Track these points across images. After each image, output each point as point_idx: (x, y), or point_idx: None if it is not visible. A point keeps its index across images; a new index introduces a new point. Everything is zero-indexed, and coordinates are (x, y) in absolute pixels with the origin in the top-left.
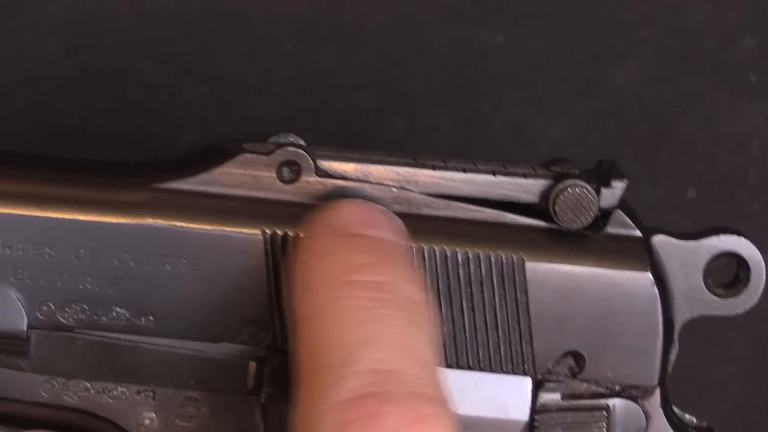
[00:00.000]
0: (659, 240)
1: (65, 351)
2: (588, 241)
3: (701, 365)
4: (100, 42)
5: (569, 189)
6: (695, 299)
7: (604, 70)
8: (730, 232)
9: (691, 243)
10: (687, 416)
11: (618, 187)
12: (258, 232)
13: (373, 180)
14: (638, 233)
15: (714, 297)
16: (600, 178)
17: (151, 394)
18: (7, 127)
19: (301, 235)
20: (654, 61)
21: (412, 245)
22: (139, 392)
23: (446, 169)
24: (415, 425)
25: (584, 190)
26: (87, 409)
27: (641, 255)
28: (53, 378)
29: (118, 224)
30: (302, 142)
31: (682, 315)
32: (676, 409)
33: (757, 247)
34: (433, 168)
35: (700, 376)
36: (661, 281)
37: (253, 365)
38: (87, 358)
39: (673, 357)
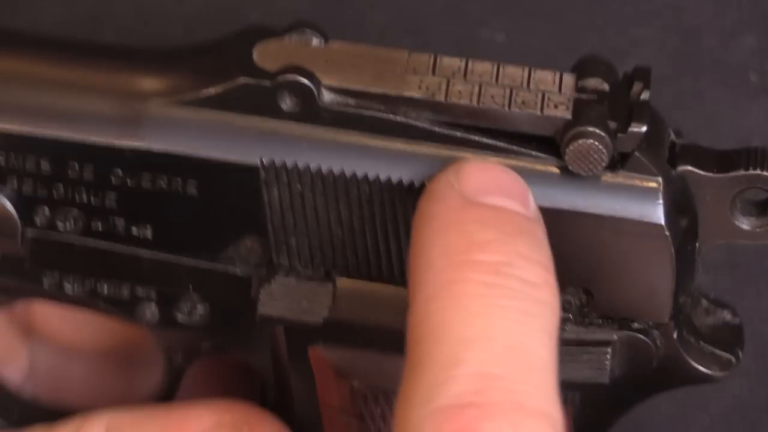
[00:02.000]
0: (684, 171)
1: (62, 252)
2: (600, 184)
3: None
4: (100, 40)
5: (580, 139)
6: (722, 228)
7: None
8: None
9: (718, 176)
10: (722, 312)
11: (636, 132)
12: (256, 161)
13: (382, 109)
14: (655, 178)
15: (741, 225)
16: (623, 113)
17: (152, 292)
18: None
19: (424, 196)
20: (654, 60)
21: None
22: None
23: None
24: None
25: (595, 143)
26: (86, 300)
27: (655, 202)
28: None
29: (111, 146)
30: (318, 41)
31: (707, 241)
32: (706, 304)
33: (758, 247)
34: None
35: None
36: (682, 212)
37: (254, 279)
38: (84, 260)
39: (695, 279)
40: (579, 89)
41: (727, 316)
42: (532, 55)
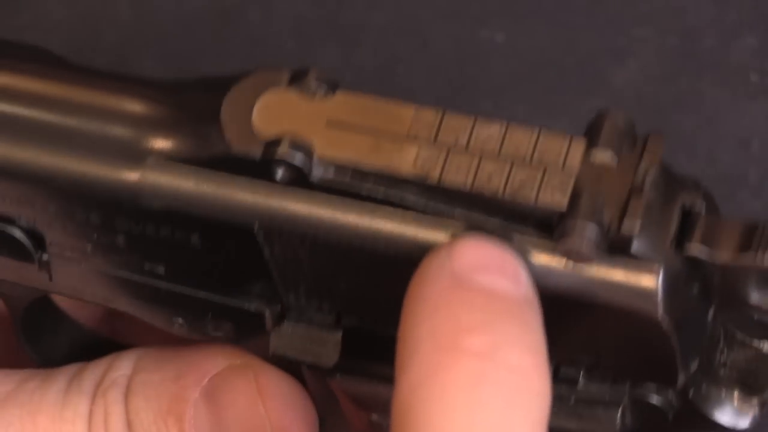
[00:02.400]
0: (690, 253)
1: (79, 275)
2: (596, 269)
3: None
4: (100, 40)
5: (570, 237)
6: (737, 302)
7: (604, 69)
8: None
9: (725, 264)
10: None
11: (628, 229)
12: (252, 225)
13: (376, 188)
14: (653, 266)
15: (756, 302)
16: (622, 200)
17: (174, 312)
18: None
19: (416, 276)
20: (654, 60)
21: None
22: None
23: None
24: None
25: (584, 242)
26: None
27: (651, 292)
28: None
29: (112, 200)
30: (323, 90)
31: (722, 310)
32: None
33: None
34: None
35: None
36: (689, 286)
37: (267, 314)
38: (100, 283)
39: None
40: (584, 165)
41: (764, 346)
42: (532, 55)
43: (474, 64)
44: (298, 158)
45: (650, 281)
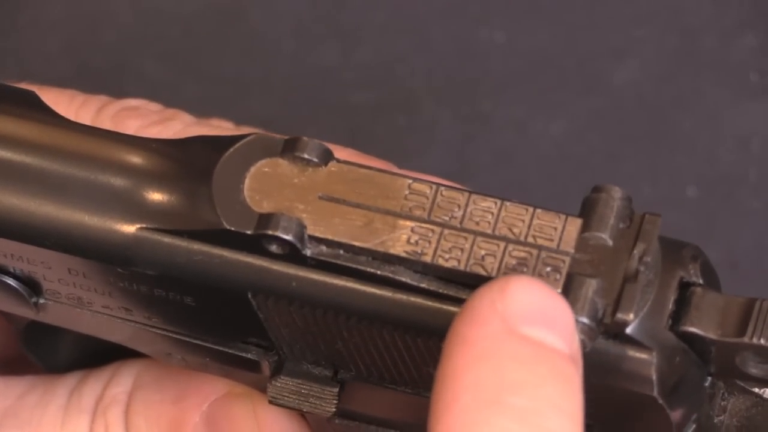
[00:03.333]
0: (685, 332)
1: (76, 317)
2: (591, 352)
3: None
4: (99, 39)
5: None
6: (733, 373)
7: (604, 68)
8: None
9: (722, 340)
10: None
11: (621, 320)
12: (246, 294)
13: (369, 263)
14: (649, 352)
15: (751, 371)
16: (616, 288)
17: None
18: None
19: (463, 313)
20: (654, 60)
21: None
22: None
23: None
24: None
25: (581, 331)
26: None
27: (647, 376)
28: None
29: (106, 265)
30: (318, 160)
31: (719, 377)
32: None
33: (757, 247)
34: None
35: None
36: (684, 362)
37: (264, 364)
38: (98, 325)
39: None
40: (579, 246)
41: (765, 393)
42: (532, 55)
43: (474, 64)
44: (290, 234)
45: (646, 368)
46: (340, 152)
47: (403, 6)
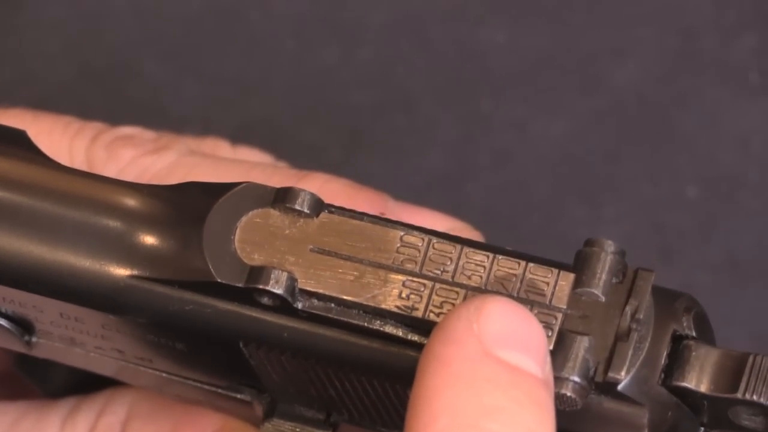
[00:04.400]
0: (677, 387)
1: (71, 355)
2: (583, 407)
3: None
4: (100, 39)
5: (557, 387)
6: (726, 424)
7: (604, 68)
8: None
9: (714, 395)
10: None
11: (613, 380)
12: (237, 343)
13: (360, 317)
14: (641, 409)
15: (744, 423)
16: (608, 347)
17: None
18: None
19: (439, 332)
20: (654, 60)
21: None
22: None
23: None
24: None
25: (568, 393)
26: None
27: (640, 430)
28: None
29: (98, 299)
30: (309, 211)
31: (708, 427)
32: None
33: (758, 247)
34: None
35: None
36: (678, 416)
37: (256, 406)
38: (92, 365)
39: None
40: (571, 302)
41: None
42: (532, 55)
43: (474, 64)
44: (281, 289)
45: (638, 423)
46: (335, 184)
47: (403, 6)
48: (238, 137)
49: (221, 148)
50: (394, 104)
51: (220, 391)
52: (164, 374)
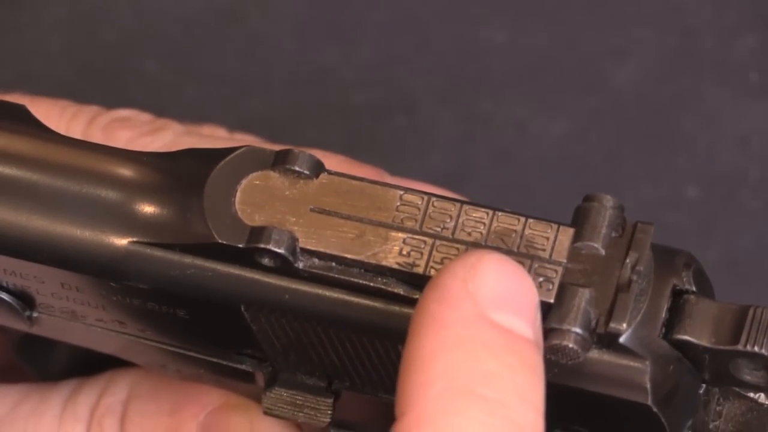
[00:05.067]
0: (678, 341)
1: (71, 330)
2: (584, 362)
3: None
4: (100, 39)
5: (555, 340)
6: (727, 379)
7: (604, 68)
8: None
9: (715, 347)
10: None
11: (614, 330)
12: (238, 307)
13: (361, 275)
14: (642, 361)
15: (746, 378)
16: (609, 298)
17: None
18: None
19: (432, 291)
20: (654, 60)
21: None
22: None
23: None
24: None
25: (570, 344)
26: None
27: (641, 385)
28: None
29: (98, 268)
30: (309, 173)
31: (714, 383)
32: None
33: (758, 247)
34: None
35: None
36: (678, 371)
37: (258, 375)
38: (93, 338)
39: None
40: (572, 256)
41: (760, 398)
42: (532, 55)
43: (474, 64)
44: (282, 248)
45: (640, 376)
46: (332, 159)
47: (403, 6)
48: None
49: (218, 133)
50: (394, 104)
51: (221, 362)
52: (166, 346)
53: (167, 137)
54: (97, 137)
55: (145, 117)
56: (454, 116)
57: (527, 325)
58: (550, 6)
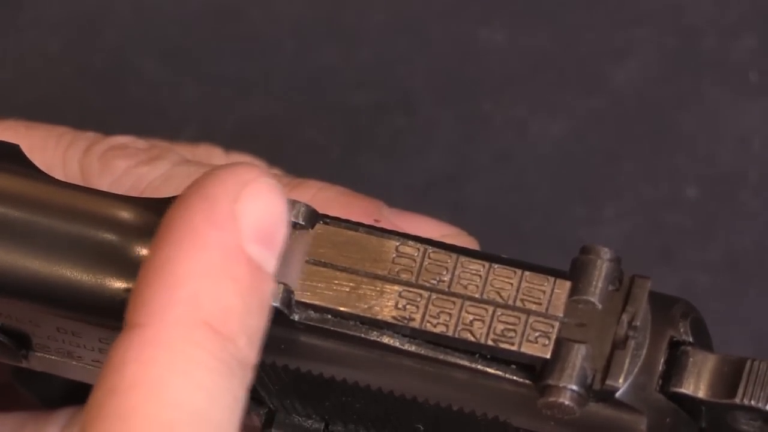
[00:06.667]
0: (675, 393)
1: (65, 367)
2: (580, 415)
3: None
4: (100, 39)
5: (551, 397)
6: (721, 430)
7: (604, 68)
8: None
9: (712, 401)
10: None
11: (613, 381)
12: None
13: (356, 328)
14: (639, 417)
15: (744, 428)
16: (606, 354)
17: None
18: None
19: (199, 192)
20: (654, 60)
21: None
22: None
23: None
24: None
25: (566, 402)
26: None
27: None
28: None
29: (95, 312)
30: (303, 222)
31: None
32: None
33: (758, 247)
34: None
35: None
36: (678, 421)
37: (256, 416)
38: (87, 372)
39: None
40: (568, 310)
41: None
42: (532, 55)
43: (474, 64)
44: (277, 301)
45: (637, 430)
46: (329, 191)
47: (403, 6)
48: (237, 137)
49: (214, 154)
50: (394, 104)
51: None
52: None
53: (164, 167)
54: (93, 166)
55: (141, 144)
56: (453, 116)
57: (274, 257)
58: (550, 6)
